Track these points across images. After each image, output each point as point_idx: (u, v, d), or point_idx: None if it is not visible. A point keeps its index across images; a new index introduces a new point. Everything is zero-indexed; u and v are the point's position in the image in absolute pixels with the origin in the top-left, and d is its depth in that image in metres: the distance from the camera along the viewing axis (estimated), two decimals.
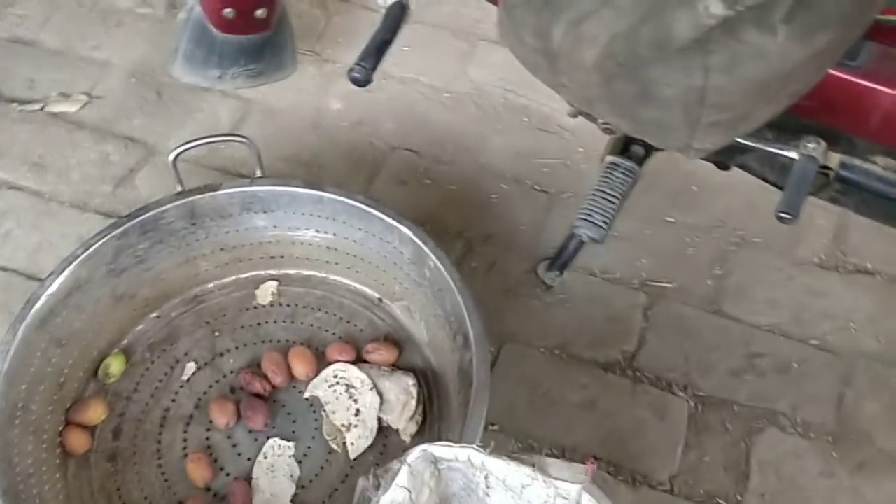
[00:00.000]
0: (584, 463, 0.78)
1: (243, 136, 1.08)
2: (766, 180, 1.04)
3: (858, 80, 0.82)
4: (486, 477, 0.80)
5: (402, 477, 0.78)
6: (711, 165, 1.05)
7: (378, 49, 0.99)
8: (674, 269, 1.22)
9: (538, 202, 1.29)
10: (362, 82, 0.98)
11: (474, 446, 0.79)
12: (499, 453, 0.78)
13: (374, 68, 0.98)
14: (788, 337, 1.17)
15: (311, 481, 1.02)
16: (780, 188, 1.03)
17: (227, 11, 1.13)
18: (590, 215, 0.98)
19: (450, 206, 1.29)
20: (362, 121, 1.39)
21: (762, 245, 1.25)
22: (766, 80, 0.70)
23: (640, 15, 0.66)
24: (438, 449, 0.80)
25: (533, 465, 0.78)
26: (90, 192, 1.30)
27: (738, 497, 1.04)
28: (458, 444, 0.79)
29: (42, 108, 1.39)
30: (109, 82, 1.43)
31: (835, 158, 0.92)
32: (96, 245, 1.05)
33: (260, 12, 1.14)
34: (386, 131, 1.38)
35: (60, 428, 1.03)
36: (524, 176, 1.32)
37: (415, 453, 0.80)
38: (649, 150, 1.07)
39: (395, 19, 1.00)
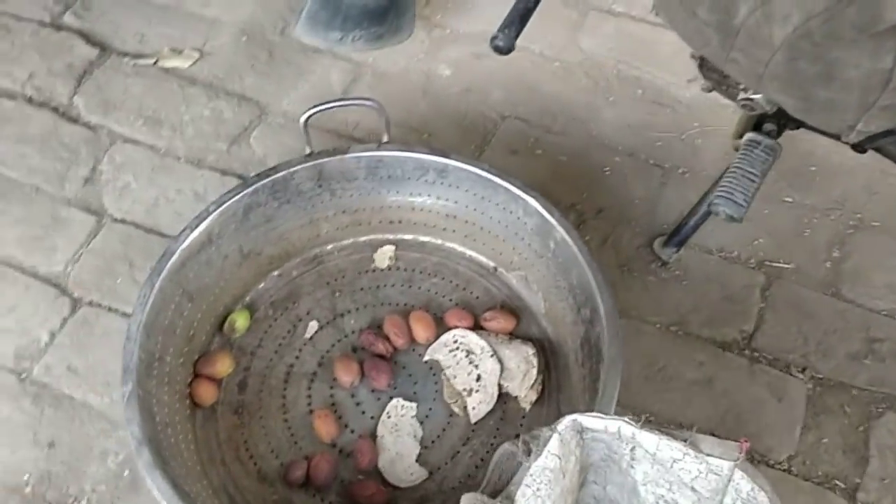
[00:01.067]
0: (736, 441, 0.78)
1: (373, 100, 1.08)
2: None
3: None
4: (632, 449, 0.81)
5: (554, 444, 0.79)
6: (831, 146, 1.03)
7: (522, 17, 0.98)
8: (792, 250, 1.21)
9: (652, 176, 1.28)
10: (505, 50, 0.97)
11: (626, 419, 0.79)
12: (650, 428, 0.78)
13: (517, 36, 0.98)
14: None
15: (433, 442, 1.03)
16: None
17: None
18: (731, 193, 0.97)
19: (561, 178, 1.28)
20: (471, 88, 1.38)
21: (880, 229, 1.24)
22: None
23: None
24: (588, 420, 0.80)
25: (685, 441, 0.79)
26: (205, 149, 1.31)
27: (857, 480, 1.04)
28: (609, 416, 0.80)
29: (155, 63, 1.40)
30: (220, 39, 1.43)
31: None
32: (229, 202, 1.06)
33: None
34: (495, 100, 1.37)
35: (189, 380, 1.05)
36: (637, 149, 1.31)
37: (564, 422, 0.80)
38: (782, 128, 1.06)
39: None
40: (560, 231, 1.04)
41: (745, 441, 0.78)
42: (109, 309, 1.15)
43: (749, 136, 1.01)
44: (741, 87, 0.95)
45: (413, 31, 1.30)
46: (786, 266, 1.20)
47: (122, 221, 1.24)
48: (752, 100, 0.97)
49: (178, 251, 1.02)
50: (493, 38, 0.96)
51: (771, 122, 1.05)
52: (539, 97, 1.37)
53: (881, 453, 1.06)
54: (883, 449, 1.06)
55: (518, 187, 1.07)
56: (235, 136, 1.32)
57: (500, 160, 1.30)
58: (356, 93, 1.36)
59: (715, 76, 0.97)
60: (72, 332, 1.13)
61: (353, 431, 1.04)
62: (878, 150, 1.03)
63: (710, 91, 1.04)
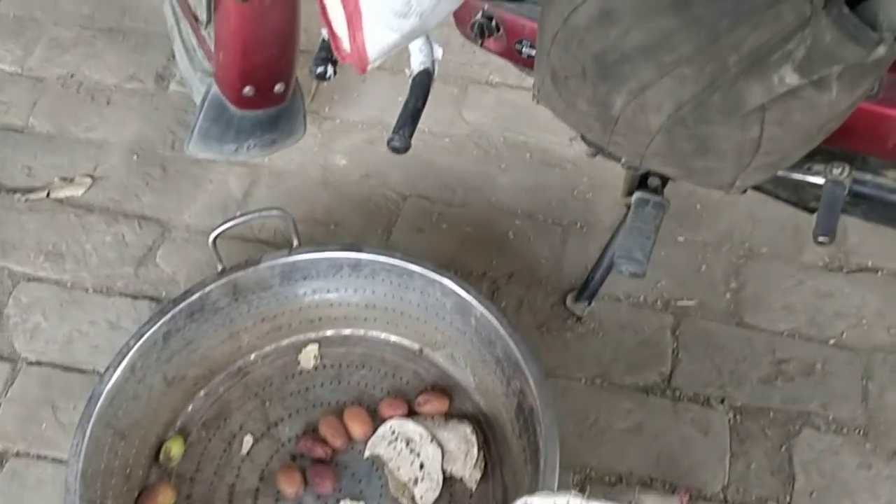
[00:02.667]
0: (677, 494, 0.82)
1: (279, 209, 1.11)
2: (778, 197, 1.11)
3: (879, 109, 0.88)
4: None
5: None
6: None
7: (412, 116, 1.02)
8: (693, 287, 1.28)
9: (554, 235, 1.34)
10: (402, 150, 1.01)
11: (573, 493, 0.83)
12: (596, 496, 0.82)
13: (411, 135, 1.02)
14: (808, 339, 1.23)
15: None
16: (793, 204, 1.11)
17: (247, 90, 1.15)
18: (630, 251, 1.03)
19: (469, 248, 1.33)
20: (370, 173, 1.42)
21: (769, 254, 1.32)
22: (814, 127, 0.76)
23: (704, 84, 0.71)
24: (538, 500, 0.84)
25: (630, 503, 0.83)
26: (112, 276, 1.30)
27: (789, 499, 1.10)
28: (556, 493, 0.83)
29: (48, 196, 1.38)
30: (111, 162, 1.43)
31: (852, 174, 0.99)
32: (147, 333, 1.06)
33: (279, 87, 1.17)
34: (395, 181, 1.41)
35: None
36: (535, 211, 1.37)
37: None
38: (666, 181, 1.13)
39: (424, 86, 1.04)
40: (479, 308, 1.08)
41: (686, 493, 0.83)
42: (38, 457, 1.13)
43: (637, 195, 1.08)
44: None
45: (305, 129, 1.32)
46: (690, 303, 1.27)
47: (38, 364, 1.21)
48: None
49: (105, 392, 1.01)
50: (390, 140, 1.00)
51: (655, 178, 1.12)
52: (436, 173, 1.42)
53: (805, 469, 1.13)
54: (806, 464, 1.13)
55: (432, 270, 1.11)
56: (141, 257, 1.32)
57: (408, 239, 1.34)
58: (256, 195, 1.38)
59: (598, 147, 1.04)
60: (3, 489, 1.10)
61: None
62: (755, 188, 1.12)
63: (594, 156, 1.10)
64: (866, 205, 1.04)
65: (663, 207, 1.08)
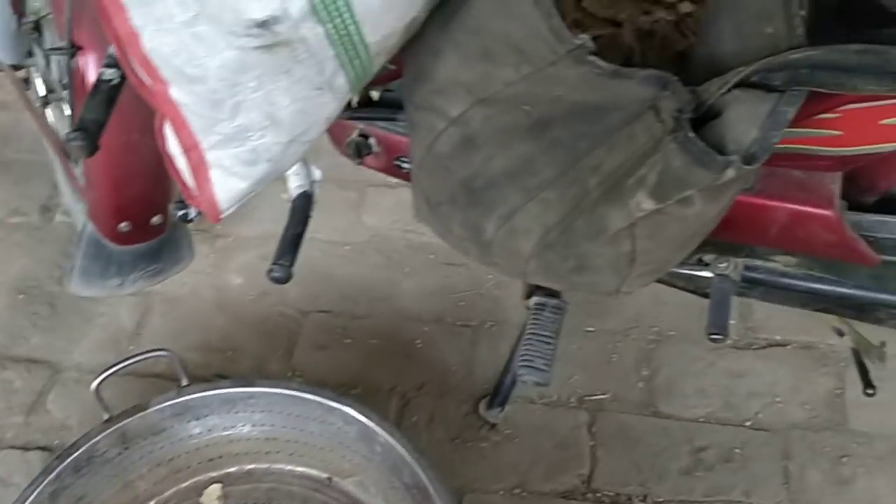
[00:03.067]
0: None
1: (163, 350, 1.05)
2: (675, 286, 1.10)
3: (755, 201, 0.88)
4: None
5: None
6: None
7: (293, 243, 0.99)
8: (605, 379, 1.26)
9: (463, 338, 1.31)
10: (284, 280, 0.97)
11: None
12: None
13: (292, 264, 0.98)
14: (724, 423, 1.22)
15: None
16: (691, 291, 1.10)
17: (123, 226, 1.11)
18: (532, 361, 1.00)
19: (376, 362, 1.29)
20: (267, 291, 1.38)
21: (678, 337, 1.31)
22: (686, 236, 0.75)
23: (568, 208, 0.70)
24: None
25: None
26: (1, 427, 1.22)
27: None
28: None
29: None
30: None
31: (739, 264, 0.99)
32: (32, 497, 0.98)
33: (156, 219, 1.13)
34: (294, 298, 1.37)
35: None
36: (443, 314, 1.34)
37: None
38: None
39: (303, 210, 1.01)
40: (382, 434, 1.03)
41: None
42: None
43: (534, 300, 1.05)
44: None
45: (193, 254, 1.28)
46: (603, 397, 1.24)
47: None
48: None
49: None
50: (270, 271, 0.96)
51: None
52: (336, 284, 1.38)
53: None
54: None
55: (331, 399, 1.06)
56: (30, 404, 1.25)
57: (311, 359, 1.29)
58: (150, 326, 1.32)
59: None
60: None
61: None
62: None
63: None
64: (762, 288, 1.03)
65: (562, 309, 1.06)
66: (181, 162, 0.71)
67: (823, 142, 0.83)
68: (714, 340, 0.90)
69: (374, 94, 0.97)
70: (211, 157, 0.68)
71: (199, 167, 0.69)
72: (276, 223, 1.46)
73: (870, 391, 1.11)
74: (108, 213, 1.11)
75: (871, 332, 1.09)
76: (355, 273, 1.40)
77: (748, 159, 0.60)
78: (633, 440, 1.20)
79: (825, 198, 0.87)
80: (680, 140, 0.61)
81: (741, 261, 0.99)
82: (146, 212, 1.12)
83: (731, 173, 0.61)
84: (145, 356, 1.06)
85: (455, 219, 0.78)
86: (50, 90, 1.22)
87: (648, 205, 0.65)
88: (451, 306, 1.35)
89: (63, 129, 1.27)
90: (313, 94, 0.66)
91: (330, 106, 0.68)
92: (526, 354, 1.03)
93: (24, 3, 1.16)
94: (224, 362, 1.27)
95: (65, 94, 1.24)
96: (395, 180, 1.51)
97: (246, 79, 0.63)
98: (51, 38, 1.17)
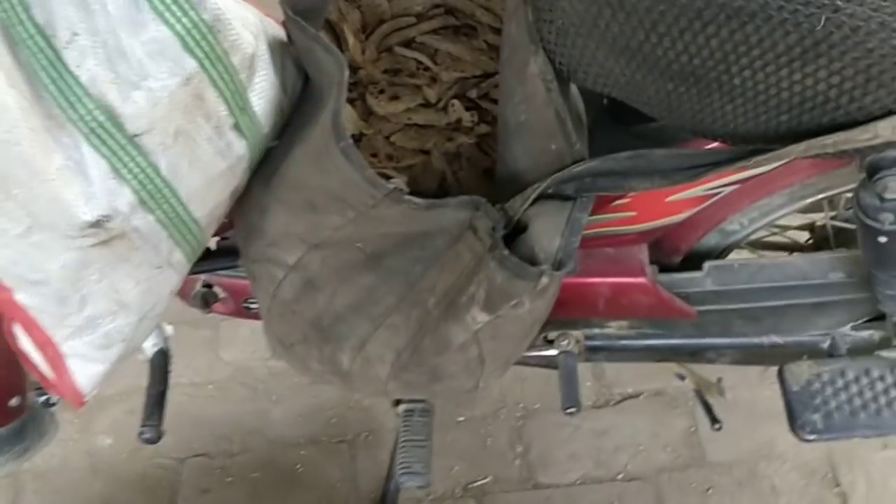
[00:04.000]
0: None
1: None
2: (529, 365, 1.18)
3: (578, 280, 0.97)
4: None
5: None
6: None
7: (157, 402, 1.01)
8: (484, 464, 1.32)
9: (342, 454, 1.34)
10: (156, 440, 0.99)
11: None
12: None
13: (161, 422, 1.00)
14: (599, 481, 1.30)
15: None
16: (544, 367, 1.19)
17: None
18: (409, 466, 1.05)
19: (261, 495, 1.30)
20: (139, 446, 1.35)
21: (543, 409, 1.39)
22: (525, 330, 0.83)
23: (414, 329, 0.76)
24: None
25: None
26: None
27: None
28: None
29: None
30: None
31: (580, 337, 1.08)
32: None
33: (14, 401, 1.10)
34: (167, 447, 1.36)
35: None
36: (317, 434, 1.37)
37: None
38: None
39: (162, 367, 1.03)
40: None
41: None
42: None
43: (403, 407, 1.10)
44: None
45: (58, 425, 1.25)
46: (485, 481, 1.30)
47: None
48: None
49: None
50: (141, 434, 0.98)
51: None
52: (208, 426, 1.39)
53: None
54: None
55: None
56: None
57: None
58: None
59: None
60: None
61: None
62: None
63: None
64: (604, 352, 1.13)
65: (430, 411, 1.12)
66: (36, 356, 0.72)
67: (622, 223, 0.94)
68: (570, 414, 0.98)
69: (212, 244, 1.01)
70: (66, 348, 0.71)
71: (55, 360, 0.71)
72: (135, 377, 1.45)
73: (716, 426, 1.22)
74: None
75: (708, 371, 1.20)
76: (224, 411, 1.41)
77: (557, 265, 0.69)
78: None
79: (637, 268, 0.98)
80: (497, 258, 0.69)
81: (580, 333, 1.08)
82: (2, 396, 1.10)
83: (545, 280, 0.69)
84: None
85: (311, 356, 0.83)
86: None
87: (483, 317, 0.72)
88: (324, 425, 1.38)
89: None
90: (154, 273, 0.70)
91: (173, 280, 0.73)
92: (403, 461, 1.07)
93: None
94: None
95: None
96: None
97: (88, 273, 0.66)
98: None
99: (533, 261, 0.70)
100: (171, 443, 1.36)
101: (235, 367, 1.47)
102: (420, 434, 1.10)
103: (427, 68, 0.95)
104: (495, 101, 0.92)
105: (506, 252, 0.69)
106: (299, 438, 1.36)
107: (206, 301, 1.04)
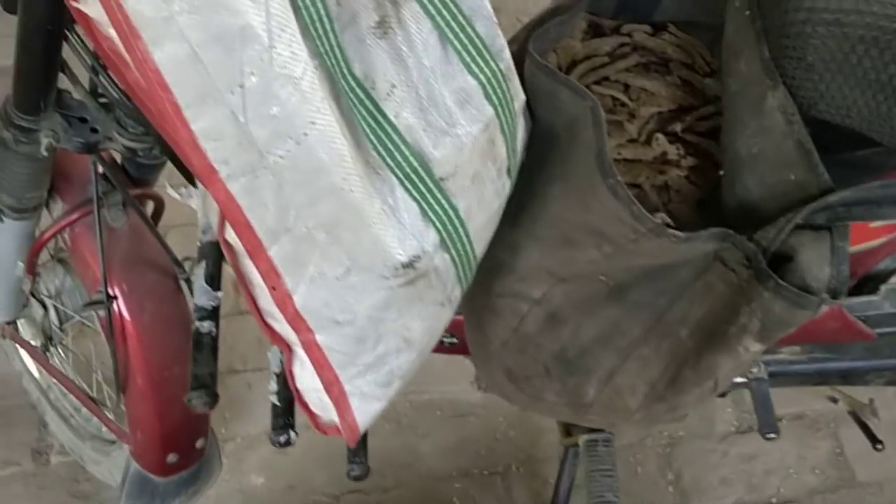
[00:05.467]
0: None
1: None
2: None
3: None
4: None
5: None
6: None
7: (361, 440, 1.02)
8: (638, 492, 1.34)
9: (496, 486, 1.36)
10: (364, 476, 1.00)
11: None
12: None
13: (366, 458, 1.01)
14: None
15: None
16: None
17: (171, 457, 1.11)
18: (602, 496, 1.07)
19: None
20: (292, 484, 1.38)
21: (687, 437, 1.41)
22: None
23: (666, 361, 0.78)
24: None
25: None
26: None
27: None
28: None
29: None
30: None
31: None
32: None
33: (200, 442, 1.13)
34: (321, 483, 1.38)
35: None
36: (469, 467, 1.38)
37: None
38: None
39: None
40: None
41: None
42: None
43: (585, 439, 1.13)
44: None
45: (222, 464, 1.27)
46: None
47: None
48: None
49: None
50: (350, 471, 0.99)
51: None
52: None
53: None
54: None
55: None
56: None
57: None
58: None
59: None
60: None
61: None
62: None
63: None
64: (780, 378, 1.14)
65: (611, 441, 1.14)
66: (313, 395, 0.75)
67: None
68: (769, 439, 1.00)
69: None
70: (349, 387, 0.73)
71: (339, 399, 0.73)
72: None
73: (879, 446, 1.24)
74: (156, 448, 1.10)
75: (856, 393, 1.22)
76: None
77: (833, 294, 0.71)
78: None
79: None
80: (772, 288, 0.71)
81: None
82: (191, 438, 1.12)
83: (824, 308, 0.71)
84: None
85: (549, 388, 0.85)
86: (48, 336, 1.22)
87: (756, 347, 0.74)
88: (473, 457, 1.40)
89: (71, 372, 1.26)
90: (437, 309, 0.72)
91: (448, 316, 0.75)
92: (595, 491, 1.09)
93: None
94: None
95: (65, 337, 1.24)
96: None
97: (389, 313, 0.69)
98: (46, 283, 1.18)
99: (806, 290, 0.72)
100: (323, 479, 1.38)
101: None
102: (606, 463, 1.12)
103: (624, 104, 0.98)
104: (700, 134, 0.95)
105: (782, 283, 0.71)
106: (451, 472, 1.38)
107: None
